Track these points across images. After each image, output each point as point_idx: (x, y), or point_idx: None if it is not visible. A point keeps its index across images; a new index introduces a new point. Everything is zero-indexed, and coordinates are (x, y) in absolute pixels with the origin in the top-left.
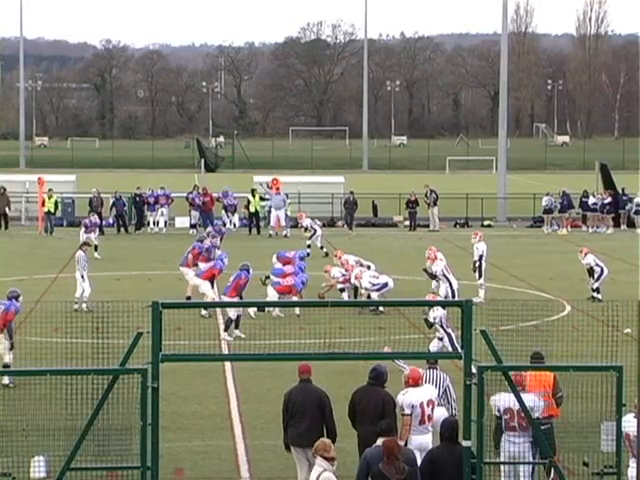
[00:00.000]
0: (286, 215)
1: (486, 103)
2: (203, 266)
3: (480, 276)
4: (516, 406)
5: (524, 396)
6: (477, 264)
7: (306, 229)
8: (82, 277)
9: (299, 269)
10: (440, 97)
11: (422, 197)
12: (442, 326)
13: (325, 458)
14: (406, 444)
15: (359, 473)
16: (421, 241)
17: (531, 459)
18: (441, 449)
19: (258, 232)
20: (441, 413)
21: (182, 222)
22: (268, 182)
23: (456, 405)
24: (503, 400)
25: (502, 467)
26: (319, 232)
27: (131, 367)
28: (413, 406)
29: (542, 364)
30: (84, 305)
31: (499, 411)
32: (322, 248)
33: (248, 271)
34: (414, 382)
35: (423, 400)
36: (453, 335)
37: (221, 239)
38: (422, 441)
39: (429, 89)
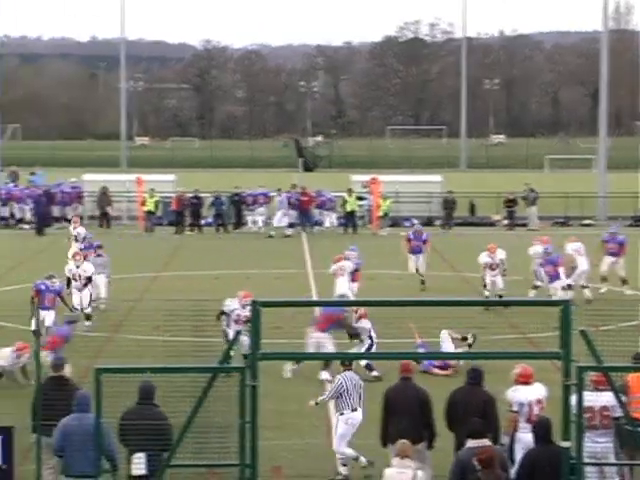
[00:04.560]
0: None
1: (586, 101)
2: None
3: None
4: (597, 405)
5: (603, 395)
6: None
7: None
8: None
9: None
10: (539, 95)
11: (521, 196)
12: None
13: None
14: (512, 442)
15: (453, 476)
16: (520, 240)
17: (614, 458)
18: (537, 450)
19: (354, 231)
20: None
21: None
22: (364, 181)
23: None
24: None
25: (587, 467)
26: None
27: (230, 365)
28: (522, 404)
29: None
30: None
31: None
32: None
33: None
34: (524, 380)
35: (532, 399)
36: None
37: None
38: (529, 439)
39: (528, 87)
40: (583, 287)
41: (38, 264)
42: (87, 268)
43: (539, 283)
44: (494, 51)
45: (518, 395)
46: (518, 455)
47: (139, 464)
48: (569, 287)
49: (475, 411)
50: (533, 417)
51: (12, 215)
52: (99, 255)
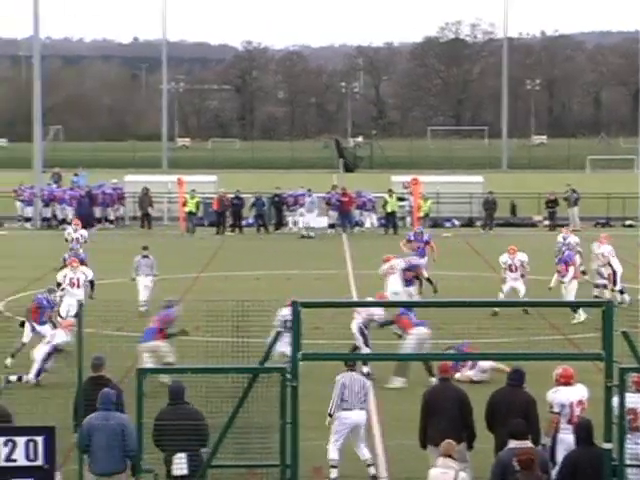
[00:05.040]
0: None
1: (627, 101)
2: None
3: None
4: (639, 406)
5: None
6: None
7: None
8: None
9: None
10: (580, 95)
11: (562, 196)
12: (362, 333)
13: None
14: (554, 443)
15: (493, 477)
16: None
17: None
18: (578, 451)
19: (395, 232)
20: (362, 416)
21: (320, 222)
22: (405, 182)
23: None
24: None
25: (629, 469)
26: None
27: (271, 366)
28: (563, 405)
29: None
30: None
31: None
32: None
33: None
34: (566, 381)
35: (574, 400)
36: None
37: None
38: (571, 441)
39: (569, 87)
40: (613, 290)
41: None
42: (87, 271)
43: (602, 281)
44: (535, 51)
45: (559, 396)
46: (560, 456)
47: (180, 464)
48: (621, 293)
49: (518, 412)
50: (575, 418)
51: (54, 216)
52: (145, 256)
